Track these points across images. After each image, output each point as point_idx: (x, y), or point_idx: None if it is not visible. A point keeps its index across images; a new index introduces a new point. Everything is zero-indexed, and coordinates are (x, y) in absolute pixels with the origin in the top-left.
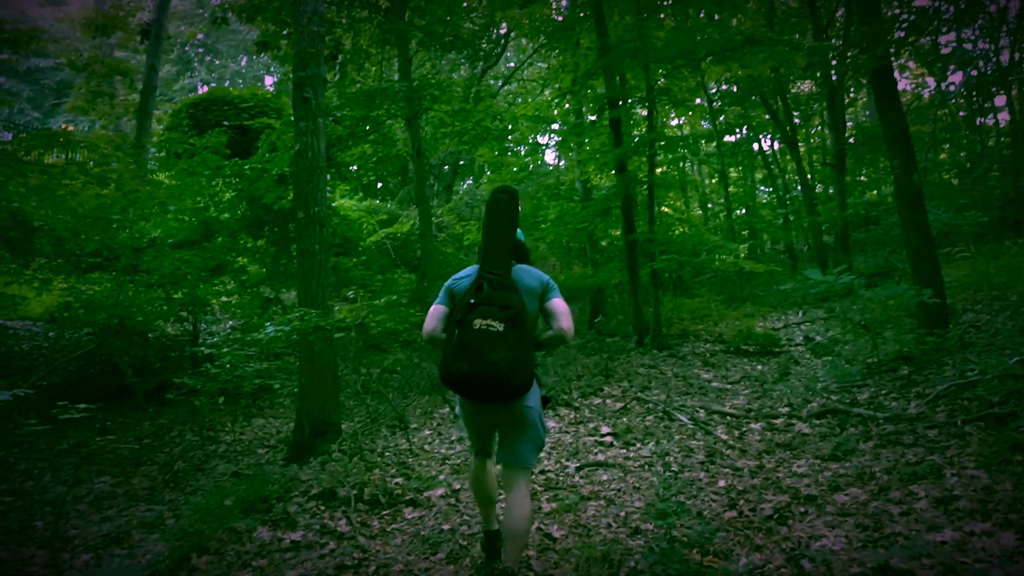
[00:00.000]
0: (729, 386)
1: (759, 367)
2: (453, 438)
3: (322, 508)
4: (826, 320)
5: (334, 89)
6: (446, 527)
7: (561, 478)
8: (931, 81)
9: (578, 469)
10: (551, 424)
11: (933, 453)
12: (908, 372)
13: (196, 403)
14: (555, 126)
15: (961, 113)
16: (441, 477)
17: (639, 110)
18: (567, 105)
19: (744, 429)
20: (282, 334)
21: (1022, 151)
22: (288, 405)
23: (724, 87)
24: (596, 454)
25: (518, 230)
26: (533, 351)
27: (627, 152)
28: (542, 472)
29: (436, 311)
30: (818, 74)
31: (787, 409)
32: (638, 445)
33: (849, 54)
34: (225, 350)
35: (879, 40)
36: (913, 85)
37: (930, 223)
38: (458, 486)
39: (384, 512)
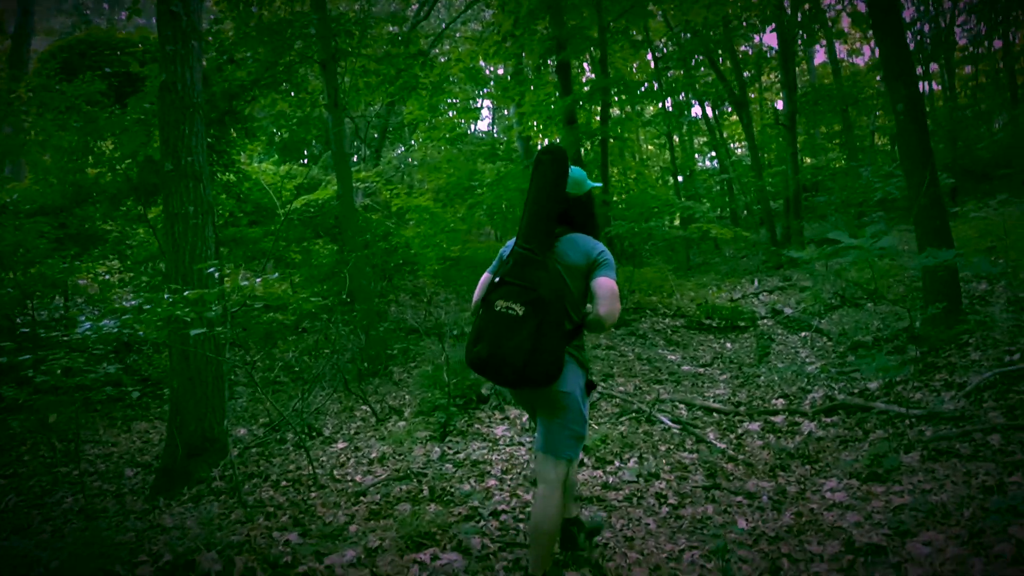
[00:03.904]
0: (702, 370)
1: (729, 345)
2: (373, 455)
3: None
4: (784, 290)
5: (229, 21)
6: None
7: (522, 524)
8: (867, 50)
9: None
10: (499, 432)
11: (1013, 473)
12: (921, 354)
13: (14, 424)
14: (490, 86)
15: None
16: (352, 527)
17: (585, 67)
18: (507, 46)
19: (740, 431)
20: (111, 331)
21: (958, 117)
22: None
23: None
24: None
25: (585, 177)
26: (562, 337)
27: (577, 100)
28: (494, 515)
29: (484, 280)
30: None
31: (783, 402)
32: (616, 463)
33: None
34: (26, 357)
35: None
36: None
37: (871, 188)
38: (376, 543)
39: None
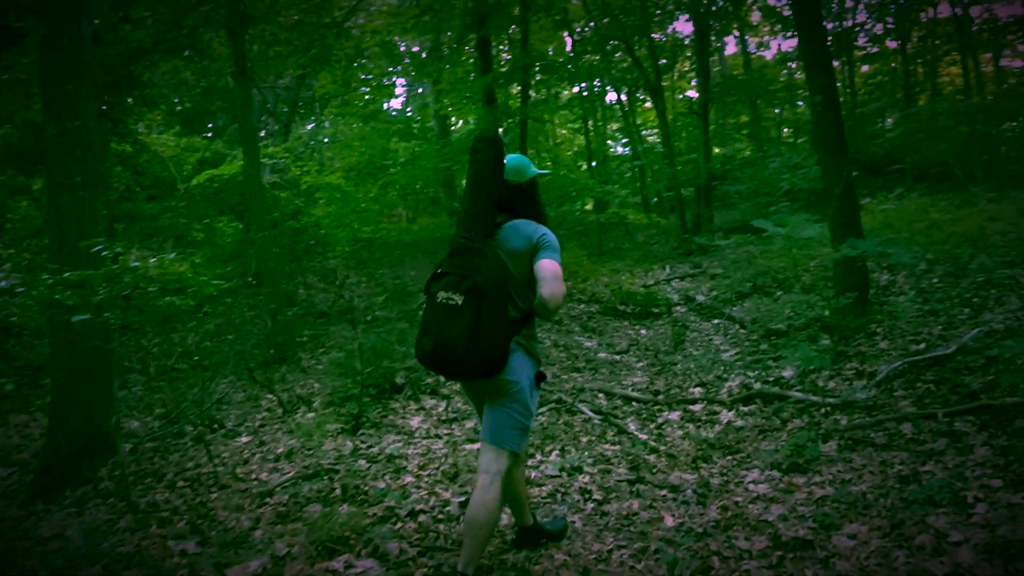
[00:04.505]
0: (619, 357)
1: (643, 332)
2: (280, 450)
3: None
4: (694, 276)
5: None
6: None
7: (441, 526)
8: (774, 44)
9: (463, 506)
10: (414, 423)
11: (926, 462)
12: (832, 343)
13: None
14: (405, 63)
15: (797, 75)
16: (257, 533)
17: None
18: (426, 20)
19: (660, 421)
20: None
21: (858, 114)
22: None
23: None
24: None
25: (528, 164)
26: (506, 324)
27: (497, 78)
28: (412, 515)
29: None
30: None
31: (701, 390)
32: (537, 456)
33: None
34: None
35: None
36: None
37: (778, 178)
38: (284, 550)
39: None
